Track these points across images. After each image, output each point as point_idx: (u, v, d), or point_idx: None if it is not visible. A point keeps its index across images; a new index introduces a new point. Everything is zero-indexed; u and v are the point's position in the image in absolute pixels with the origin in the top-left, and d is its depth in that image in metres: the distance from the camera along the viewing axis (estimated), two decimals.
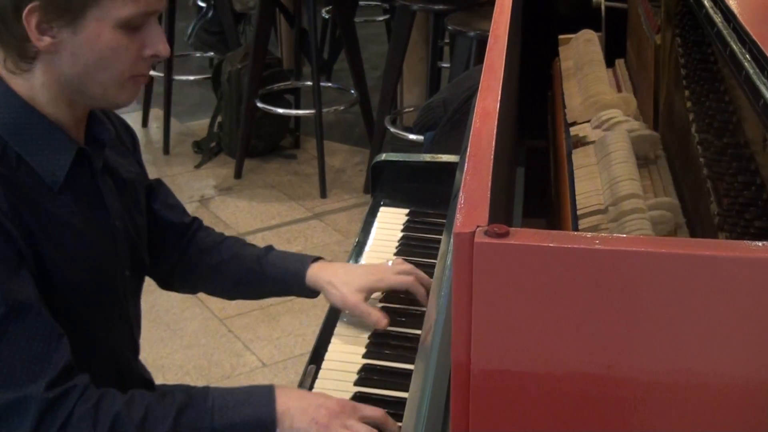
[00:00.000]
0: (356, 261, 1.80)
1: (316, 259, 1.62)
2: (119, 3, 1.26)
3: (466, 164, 0.71)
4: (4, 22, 1.27)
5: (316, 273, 1.58)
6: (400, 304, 1.62)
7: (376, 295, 1.62)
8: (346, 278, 1.57)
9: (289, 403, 1.33)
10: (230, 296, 1.72)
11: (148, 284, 1.65)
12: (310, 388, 1.48)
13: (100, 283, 1.41)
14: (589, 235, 0.61)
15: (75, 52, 1.29)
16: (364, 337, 1.57)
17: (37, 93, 1.33)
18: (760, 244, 0.60)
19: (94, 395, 1.29)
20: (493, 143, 0.70)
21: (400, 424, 1.33)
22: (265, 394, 1.34)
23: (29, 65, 1.31)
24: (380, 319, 1.53)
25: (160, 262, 1.65)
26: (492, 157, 0.68)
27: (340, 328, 1.60)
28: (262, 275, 1.62)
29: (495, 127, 0.73)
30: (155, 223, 1.62)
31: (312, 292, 1.60)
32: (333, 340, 1.57)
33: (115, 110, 1.51)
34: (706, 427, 0.63)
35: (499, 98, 0.80)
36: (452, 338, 0.60)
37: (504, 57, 0.93)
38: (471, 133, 0.75)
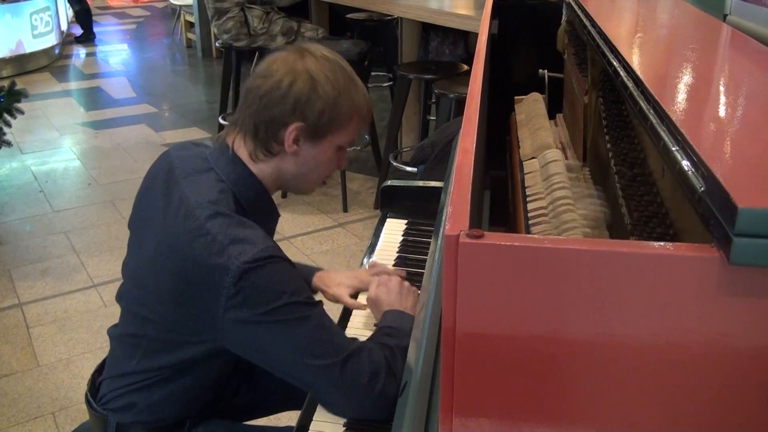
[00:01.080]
0: (369, 257, 1.80)
1: (318, 269, 1.62)
2: (346, 132, 1.29)
3: (451, 187, 0.71)
4: (268, 127, 1.27)
5: (316, 280, 1.58)
6: None
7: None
8: (334, 280, 1.57)
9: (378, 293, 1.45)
10: None
11: None
12: None
13: None
14: (540, 237, 0.61)
15: (306, 160, 1.30)
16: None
17: (266, 176, 1.33)
18: (657, 244, 0.61)
19: (366, 346, 1.28)
20: (471, 173, 0.70)
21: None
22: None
23: (267, 158, 1.31)
24: (355, 304, 1.54)
25: None
26: (470, 182, 0.68)
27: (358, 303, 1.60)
28: None
29: (472, 161, 0.74)
30: None
31: (315, 291, 1.59)
32: (352, 312, 1.57)
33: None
34: (620, 371, 0.63)
35: (474, 141, 0.80)
36: (443, 310, 0.60)
37: (477, 111, 0.93)
38: (454, 166, 0.75)
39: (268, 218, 1.36)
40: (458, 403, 0.63)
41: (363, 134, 1.39)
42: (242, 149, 1.31)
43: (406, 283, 1.48)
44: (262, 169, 1.31)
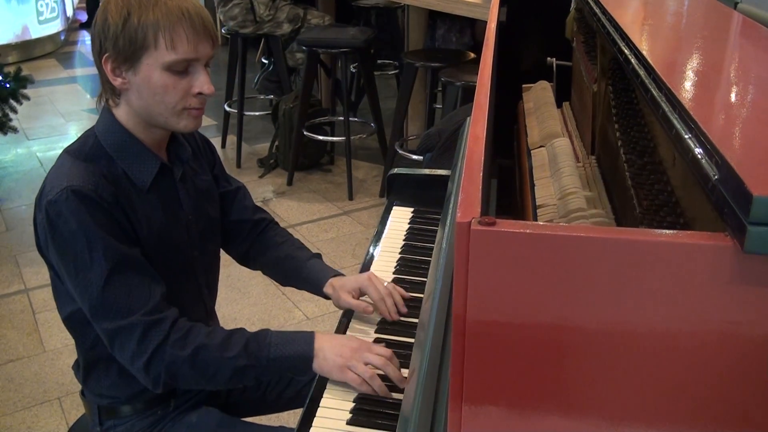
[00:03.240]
0: (376, 245, 1.80)
1: (336, 274, 1.58)
2: (162, 52, 1.26)
3: (459, 174, 0.71)
4: (99, 69, 1.31)
5: (328, 286, 1.55)
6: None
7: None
8: (341, 284, 1.53)
9: (323, 343, 1.32)
10: (283, 284, 1.67)
11: (225, 260, 1.65)
12: (344, 332, 1.48)
13: (174, 259, 1.41)
14: (552, 224, 0.60)
15: (139, 90, 1.30)
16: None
17: (128, 120, 1.35)
18: (671, 232, 0.60)
19: (186, 325, 1.30)
20: (482, 159, 0.70)
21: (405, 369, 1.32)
22: (307, 336, 1.34)
23: (119, 100, 1.33)
24: (366, 308, 1.48)
25: (236, 246, 1.65)
26: (482, 168, 0.67)
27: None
28: (300, 277, 1.59)
29: (483, 148, 0.73)
30: (231, 218, 1.62)
31: (327, 297, 1.57)
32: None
33: (188, 133, 1.50)
34: (632, 360, 0.63)
35: (485, 128, 0.79)
36: (453, 297, 0.60)
37: (488, 98, 0.92)
38: (465, 153, 0.74)
39: (143, 163, 1.36)
40: (468, 391, 0.63)
41: (200, 48, 1.29)
42: (110, 102, 1.36)
43: (356, 343, 1.35)
44: (121, 112, 1.35)
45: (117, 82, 1.29)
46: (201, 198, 1.49)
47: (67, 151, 1.35)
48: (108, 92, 1.34)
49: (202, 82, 1.31)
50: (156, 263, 1.34)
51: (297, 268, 1.59)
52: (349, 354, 1.30)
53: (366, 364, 1.29)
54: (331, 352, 1.30)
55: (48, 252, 1.32)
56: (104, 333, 1.29)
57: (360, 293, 1.52)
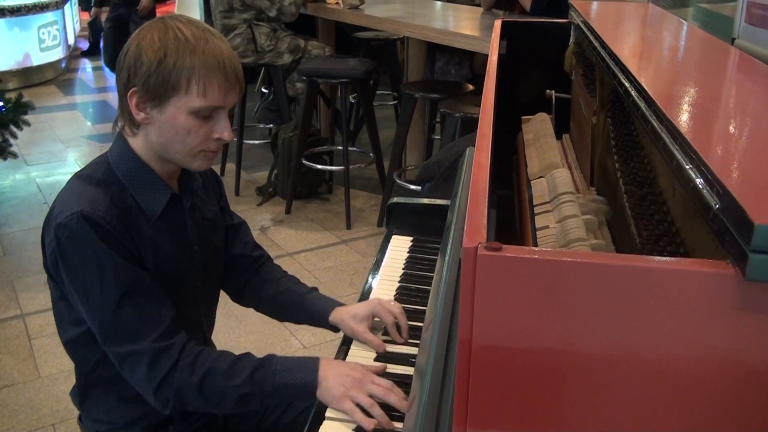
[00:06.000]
0: (375, 273, 1.80)
1: (339, 304, 1.57)
2: (193, 97, 1.27)
3: (459, 202, 0.72)
4: (122, 99, 1.31)
5: (335, 315, 1.54)
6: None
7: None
8: (353, 312, 1.52)
9: (327, 371, 1.32)
10: (279, 318, 1.68)
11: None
12: (344, 358, 1.48)
13: (177, 287, 1.41)
14: (557, 250, 0.61)
15: (161, 128, 1.31)
16: (378, 333, 1.54)
17: (143, 150, 1.36)
18: (674, 260, 0.61)
19: (194, 351, 1.30)
20: (487, 186, 0.71)
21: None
22: (312, 364, 1.34)
23: (137, 131, 1.33)
24: (380, 345, 1.47)
25: (233, 281, 1.65)
26: (486, 195, 0.68)
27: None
28: (301, 309, 1.59)
29: (488, 175, 0.74)
30: (232, 252, 1.62)
31: (334, 328, 1.56)
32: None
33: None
34: (635, 386, 0.63)
35: (489, 156, 0.81)
36: (459, 321, 0.61)
37: (491, 127, 0.94)
38: (471, 179, 0.75)
39: (154, 193, 1.37)
40: (472, 416, 0.64)
41: (229, 97, 1.30)
42: (127, 130, 1.37)
43: (359, 373, 1.35)
44: (137, 143, 1.36)
45: (139, 116, 1.30)
46: (207, 228, 1.51)
47: (78, 176, 1.36)
48: (127, 121, 1.34)
49: (223, 128, 1.33)
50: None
51: (297, 301, 1.59)
52: (350, 384, 1.30)
53: (369, 395, 1.29)
54: (334, 381, 1.31)
55: (56, 274, 1.33)
56: (114, 356, 1.30)
57: (372, 319, 1.53)
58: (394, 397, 1.29)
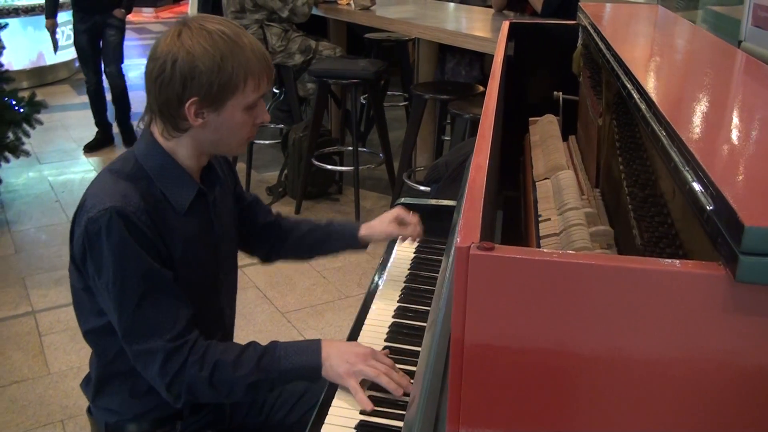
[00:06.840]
0: (381, 274, 1.81)
1: (359, 224, 1.72)
2: (248, 93, 1.31)
3: (464, 200, 0.72)
4: (168, 107, 1.32)
5: (363, 230, 1.71)
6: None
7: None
8: (379, 220, 1.73)
9: (329, 351, 1.36)
10: (307, 257, 1.79)
11: None
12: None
13: (201, 280, 1.44)
14: (549, 251, 0.62)
15: (217, 128, 1.34)
16: (383, 331, 1.56)
17: (177, 150, 1.39)
18: (665, 261, 0.62)
19: (203, 346, 1.34)
20: (483, 187, 0.72)
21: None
22: (315, 346, 1.38)
23: (179, 134, 1.36)
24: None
25: (262, 247, 1.74)
26: (483, 196, 0.69)
27: (368, 318, 1.61)
28: (331, 240, 1.71)
29: (485, 177, 0.75)
30: (260, 223, 1.72)
31: (364, 244, 1.71)
32: (363, 327, 1.58)
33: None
34: (627, 386, 0.64)
35: (488, 157, 0.81)
36: (452, 321, 0.61)
37: (492, 129, 0.94)
38: (467, 180, 0.76)
39: (182, 187, 1.39)
40: (465, 414, 0.64)
41: (269, 85, 1.37)
42: (156, 128, 1.39)
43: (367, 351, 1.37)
44: (177, 143, 1.38)
45: (198, 123, 1.32)
46: (228, 220, 1.56)
47: (109, 169, 1.39)
48: (169, 126, 1.35)
49: (264, 112, 1.39)
50: (184, 285, 1.37)
51: (323, 236, 1.72)
52: (354, 359, 1.34)
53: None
54: (337, 359, 1.35)
55: (83, 266, 1.35)
56: (130, 352, 1.33)
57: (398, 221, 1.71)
58: (396, 375, 1.33)
